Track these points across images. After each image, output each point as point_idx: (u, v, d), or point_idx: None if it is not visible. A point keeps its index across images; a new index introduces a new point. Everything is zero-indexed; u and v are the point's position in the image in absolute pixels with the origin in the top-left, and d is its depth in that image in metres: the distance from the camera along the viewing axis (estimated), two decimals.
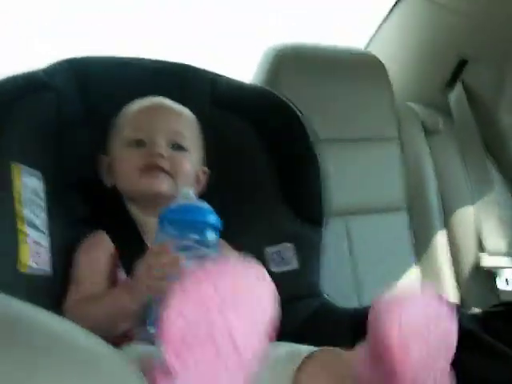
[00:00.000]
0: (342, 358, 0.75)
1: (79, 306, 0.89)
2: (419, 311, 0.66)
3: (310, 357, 0.77)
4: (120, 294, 0.86)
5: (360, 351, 0.71)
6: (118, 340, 0.84)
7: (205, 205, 0.88)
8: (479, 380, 0.82)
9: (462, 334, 0.70)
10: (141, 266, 0.83)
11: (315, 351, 0.78)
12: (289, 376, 0.75)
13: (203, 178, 1.08)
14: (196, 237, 0.85)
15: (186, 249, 0.83)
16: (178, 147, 1.01)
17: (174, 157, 0.99)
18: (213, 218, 0.87)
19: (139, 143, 1.00)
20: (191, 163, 1.02)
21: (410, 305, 0.66)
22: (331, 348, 0.78)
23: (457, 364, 0.69)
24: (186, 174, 1.00)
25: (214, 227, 0.88)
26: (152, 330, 0.80)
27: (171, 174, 0.98)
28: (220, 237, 1.06)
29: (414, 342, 0.65)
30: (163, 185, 0.96)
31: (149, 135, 1.00)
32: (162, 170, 0.98)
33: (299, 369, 0.75)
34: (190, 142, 1.03)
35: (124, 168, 1.00)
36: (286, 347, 0.83)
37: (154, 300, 0.80)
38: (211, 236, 0.87)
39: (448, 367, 0.69)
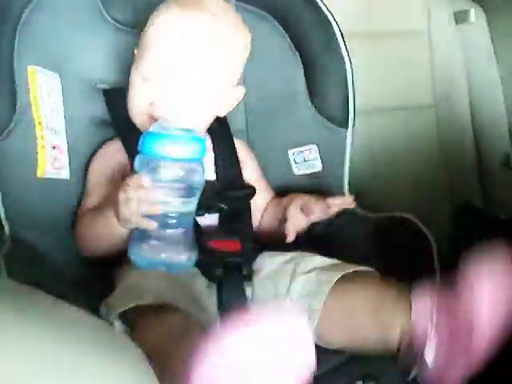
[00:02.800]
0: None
1: (84, 220, 0.89)
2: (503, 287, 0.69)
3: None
4: (110, 215, 0.81)
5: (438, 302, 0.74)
6: None
7: (182, 133, 0.80)
8: None
9: None
10: (120, 194, 0.77)
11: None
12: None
13: None
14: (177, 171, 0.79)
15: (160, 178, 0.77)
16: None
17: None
18: (189, 151, 0.79)
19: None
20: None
21: (496, 280, 0.69)
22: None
23: None
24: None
25: (189, 160, 0.80)
26: (132, 258, 0.80)
27: None
28: (241, 139, 1.04)
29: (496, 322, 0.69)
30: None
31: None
32: None
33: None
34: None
35: (132, 104, 0.91)
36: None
37: (133, 231, 0.80)
38: (187, 172, 0.79)
39: None
